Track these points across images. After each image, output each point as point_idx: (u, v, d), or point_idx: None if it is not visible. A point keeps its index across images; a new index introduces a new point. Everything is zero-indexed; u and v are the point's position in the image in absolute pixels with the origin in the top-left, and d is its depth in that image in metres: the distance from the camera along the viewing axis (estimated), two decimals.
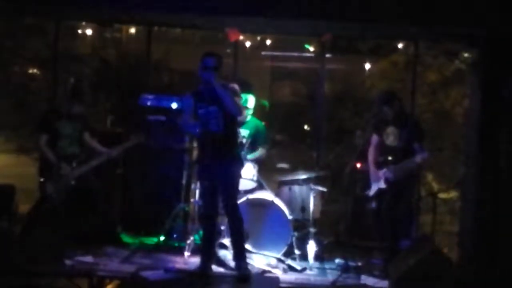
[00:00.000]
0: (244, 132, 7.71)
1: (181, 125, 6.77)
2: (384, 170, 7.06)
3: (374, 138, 7.28)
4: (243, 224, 6.53)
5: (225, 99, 6.24)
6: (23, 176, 8.10)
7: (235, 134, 6.69)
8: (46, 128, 7.22)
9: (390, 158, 7.05)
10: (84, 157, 7.26)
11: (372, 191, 7.26)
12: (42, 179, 7.13)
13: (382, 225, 7.18)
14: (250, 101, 7.81)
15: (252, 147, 7.78)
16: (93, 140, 7.45)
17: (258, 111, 8.32)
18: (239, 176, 6.69)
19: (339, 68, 11.49)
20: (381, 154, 7.21)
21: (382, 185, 7.09)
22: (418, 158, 6.74)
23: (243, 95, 7.68)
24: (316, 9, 7.60)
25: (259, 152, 7.81)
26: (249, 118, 7.85)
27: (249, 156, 7.59)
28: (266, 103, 10.68)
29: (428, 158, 6.79)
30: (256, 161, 7.65)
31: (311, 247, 7.33)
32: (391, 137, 7.10)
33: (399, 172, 6.91)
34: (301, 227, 7.67)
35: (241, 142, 7.46)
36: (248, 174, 7.39)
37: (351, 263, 7.20)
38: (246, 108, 7.74)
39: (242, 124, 7.63)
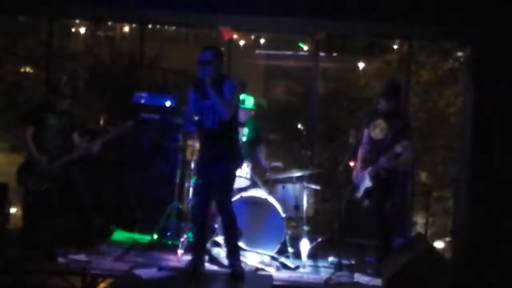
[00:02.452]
0: (244, 130, 7.72)
1: (183, 121, 6.75)
2: (369, 168, 7.04)
3: (365, 133, 7.26)
4: (237, 222, 6.53)
5: (215, 102, 6.20)
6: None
7: (233, 131, 6.56)
8: (32, 120, 7.23)
9: (374, 152, 7.02)
10: (65, 149, 7.23)
11: (360, 193, 7.24)
12: (21, 172, 7.15)
13: (374, 223, 7.19)
14: (249, 101, 7.82)
15: (250, 147, 7.80)
16: (81, 141, 7.43)
17: (255, 111, 8.34)
18: (234, 174, 6.67)
19: (333, 67, 11.51)
20: (369, 149, 7.18)
21: (369, 184, 7.08)
22: (398, 148, 6.70)
23: (242, 96, 7.70)
24: (310, 8, 7.61)
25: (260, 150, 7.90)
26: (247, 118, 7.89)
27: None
28: (263, 102, 10.68)
29: (408, 145, 6.72)
30: (250, 157, 7.65)
31: (305, 245, 7.33)
32: (377, 130, 7.06)
33: (382, 164, 6.88)
34: (294, 225, 7.67)
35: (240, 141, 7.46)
36: (242, 172, 7.39)
37: (345, 261, 7.20)
38: (246, 109, 7.76)
39: (241, 124, 7.64)
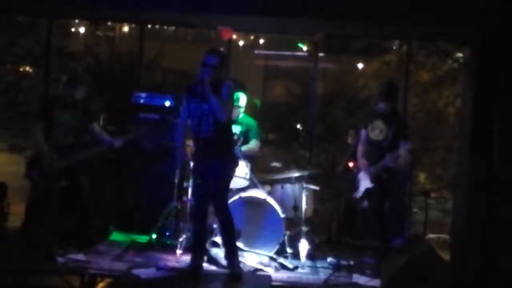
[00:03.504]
0: (235, 129, 7.72)
1: (175, 131, 6.82)
2: (370, 169, 7.03)
3: (363, 133, 7.25)
4: (234, 223, 6.54)
5: (213, 102, 6.20)
6: (15, 174, 8.07)
7: (229, 133, 6.64)
8: (43, 115, 7.19)
9: (375, 153, 7.02)
10: (76, 147, 7.21)
11: (359, 193, 7.23)
12: (29, 166, 7.13)
13: (373, 224, 7.19)
14: (241, 99, 7.82)
15: (244, 143, 7.80)
16: (102, 132, 7.41)
17: (250, 110, 8.33)
18: (231, 176, 6.69)
19: (332, 67, 11.51)
20: (368, 149, 7.17)
21: (369, 184, 7.07)
22: (401, 150, 6.71)
23: (235, 94, 7.68)
24: (309, 8, 7.60)
25: (251, 144, 7.84)
26: (241, 116, 7.88)
27: (242, 148, 7.61)
28: (258, 102, 10.68)
29: (411, 148, 6.74)
30: (249, 158, 7.64)
31: (303, 246, 7.31)
32: (376, 130, 7.05)
33: (387, 163, 6.87)
34: (293, 226, 7.66)
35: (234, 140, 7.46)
36: (241, 172, 7.38)
37: (343, 262, 7.20)
38: (238, 106, 7.75)
39: (234, 122, 7.62)
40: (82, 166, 7.26)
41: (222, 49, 9.06)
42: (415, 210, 9.30)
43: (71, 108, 7.17)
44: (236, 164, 6.83)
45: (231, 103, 6.51)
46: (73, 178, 7.18)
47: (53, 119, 7.15)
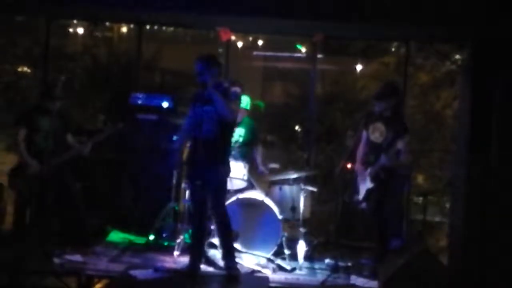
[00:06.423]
0: (239, 131, 7.72)
1: (177, 136, 6.84)
2: (369, 169, 7.01)
3: (363, 135, 7.22)
4: (231, 224, 6.52)
5: (217, 102, 6.20)
6: None
7: (229, 137, 6.61)
8: (24, 122, 7.15)
9: (373, 155, 6.99)
10: (57, 152, 7.17)
11: (361, 195, 7.21)
12: (12, 175, 7.12)
13: (372, 225, 7.17)
14: (244, 100, 7.80)
15: (247, 146, 7.79)
16: (74, 141, 7.40)
17: (252, 112, 8.33)
18: (227, 178, 6.66)
19: (331, 69, 11.51)
20: (368, 150, 7.14)
21: (370, 185, 7.05)
22: (399, 144, 6.64)
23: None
24: (308, 9, 7.60)
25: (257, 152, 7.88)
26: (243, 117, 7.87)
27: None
28: (261, 104, 10.69)
29: (408, 141, 6.69)
30: (246, 159, 7.64)
31: (301, 247, 7.31)
32: (376, 133, 7.01)
33: (384, 163, 6.83)
34: (291, 227, 7.65)
35: (236, 142, 7.47)
36: (239, 173, 7.38)
37: (341, 263, 7.19)
38: (241, 109, 7.74)
39: (237, 124, 7.61)
40: (69, 167, 7.25)
41: (220, 50, 9.08)
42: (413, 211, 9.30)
43: (49, 116, 7.13)
44: (229, 169, 6.76)
45: (236, 104, 6.51)
46: (61, 179, 7.16)
47: (34, 125, 7.13)
